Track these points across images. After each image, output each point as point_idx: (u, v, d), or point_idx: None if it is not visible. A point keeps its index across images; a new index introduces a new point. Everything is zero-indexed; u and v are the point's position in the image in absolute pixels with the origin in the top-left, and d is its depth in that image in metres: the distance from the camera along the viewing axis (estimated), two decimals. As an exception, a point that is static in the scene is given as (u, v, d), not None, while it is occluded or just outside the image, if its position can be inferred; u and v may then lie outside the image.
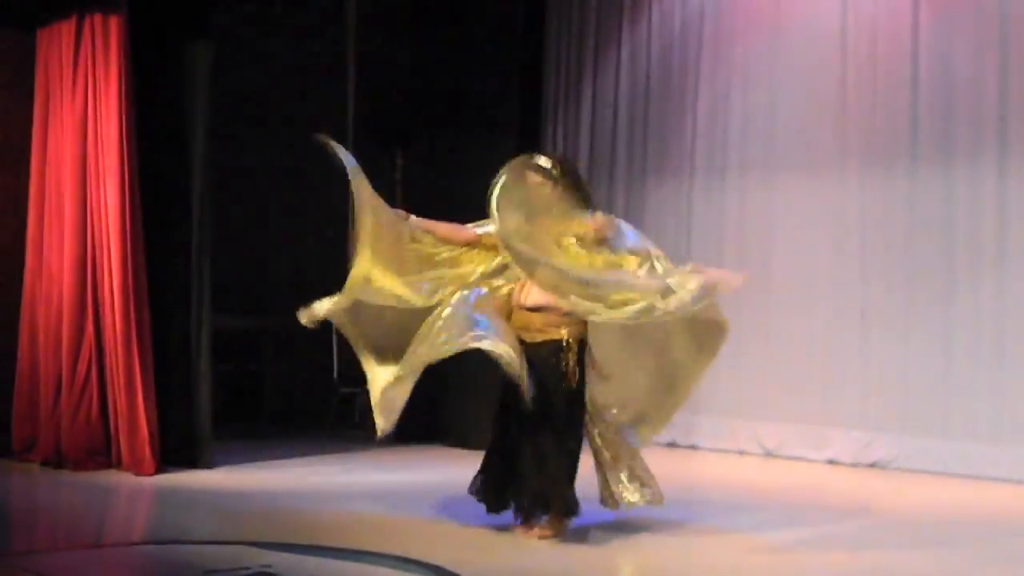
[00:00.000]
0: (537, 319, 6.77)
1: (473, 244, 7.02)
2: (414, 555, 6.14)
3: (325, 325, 10.68)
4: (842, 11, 10.04)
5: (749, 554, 6.70)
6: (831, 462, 9.75)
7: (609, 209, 10.89)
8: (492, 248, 6.95)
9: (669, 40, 11.03)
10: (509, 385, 6.65)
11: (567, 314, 6.69)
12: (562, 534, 6.76)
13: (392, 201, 11.32)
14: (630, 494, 6.96)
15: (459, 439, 10.19)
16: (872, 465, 9.60)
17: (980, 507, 8.29)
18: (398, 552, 6.20)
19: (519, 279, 6.84)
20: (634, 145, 11.24)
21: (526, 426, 6.75)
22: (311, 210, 11.02)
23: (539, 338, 6.76)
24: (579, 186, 6.93)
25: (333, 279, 11.11)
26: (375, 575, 5.93)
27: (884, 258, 9.75)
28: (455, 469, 9.25)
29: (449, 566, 5.93)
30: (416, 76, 10.91)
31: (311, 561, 6.10)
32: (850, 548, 6.87)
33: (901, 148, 9.72)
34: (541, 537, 6.74)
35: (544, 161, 6.87)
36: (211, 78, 8.84)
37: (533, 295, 6.77)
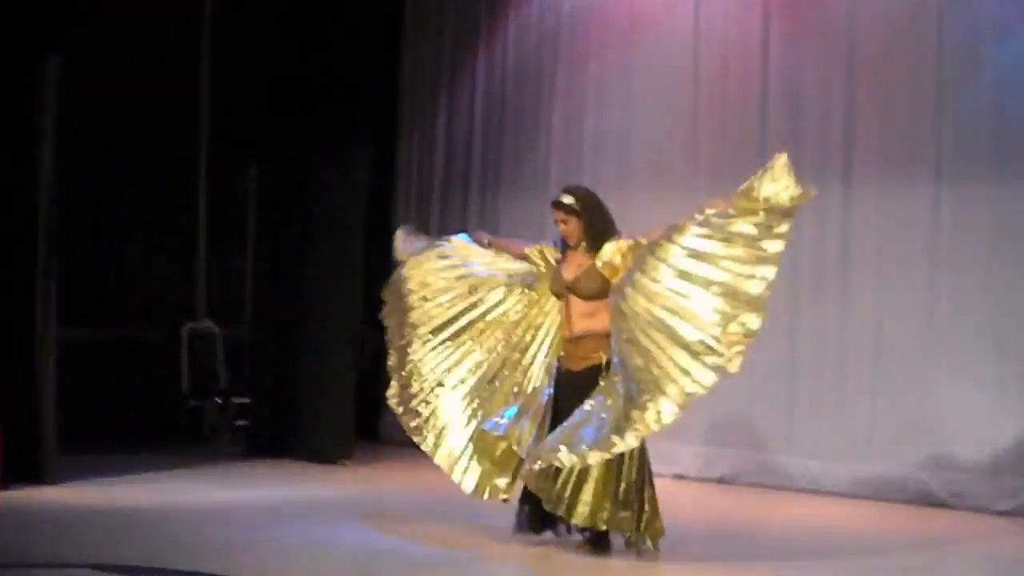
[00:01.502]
0: (579, 348, 7.05)
1: (522, 257, 7.45)
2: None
3: (174, 336, 10.68)
4: (694, 33, 10.20)
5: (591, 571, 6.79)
6: (678, 477, 9.89)
7: (463, 223, 11.00)
8: (536, 262, 7.37)
9: (525, 58, 11.12)
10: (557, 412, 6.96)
11: (603, 335, 6.91)
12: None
13: (244, 213, 11.33)
14: None
15: (309, 453, 10.14)
16: (718, 480, 9.77)
17: (820, 522, 8.47)
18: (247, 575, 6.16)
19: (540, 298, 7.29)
20: (488, 160, 11.32)
21: None
22: (161, 221, 10.88)
23: (583, 365, 7.02)
24: (602, 215, 7.18)
25: (181, 291, 11.06)
26: (223, 600, 5.91)
27: (732, 277, 9.89)
28: (304, 485, 9.25)
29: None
30: (270, 88, 10.82)
31: (157, 585, 6.05)
32: (694, 563, 7.01)
33: (750, 169, 9.73)
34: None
35: (567, 199, 7.15)
36: (60, 90, 8.69)
37: (573, 326, 7.05)
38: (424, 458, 8.86)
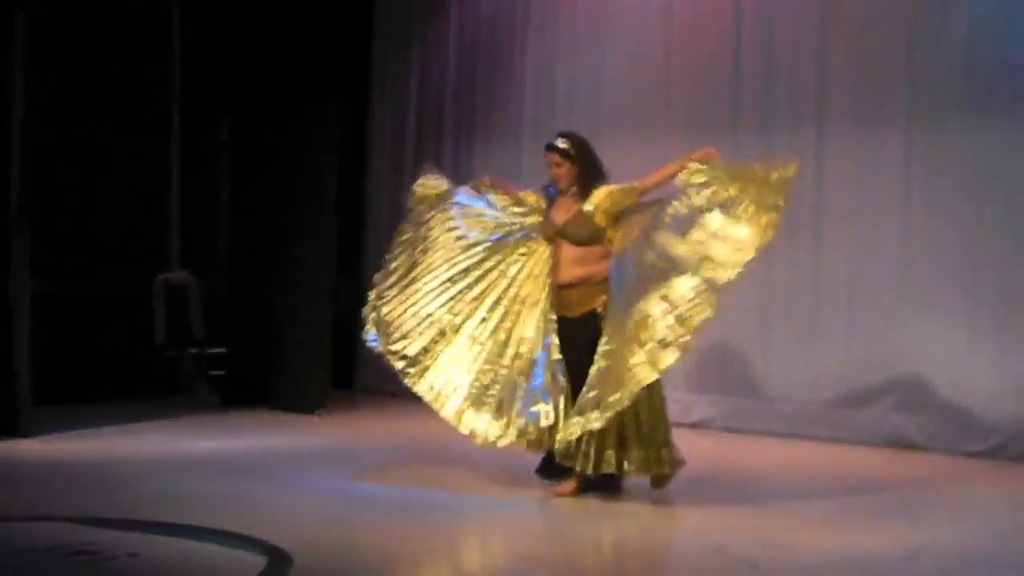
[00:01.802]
0: (574, 295, 7.18)
1: (517, 200, 7.53)
2: (241, 530, 6.07)
3: (148, 287, 10.63)
4: (667, -22, 10.19)
5: (575, 513, 6.84)
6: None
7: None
8: (532, 210, 7.44)
9: (498, 5, 11.08)
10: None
11: (599, 283, 7.10)
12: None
13: (219, 165, 11.29)
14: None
15: (285, 403, 10.15)
16: (694, 425, 9.81)
17: (795, 466, 8.53)
18: (224, 527, 6.13)
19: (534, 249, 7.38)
20: (462, 109, 11.30)
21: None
22: (136, 173, 10.81)
23: (578, 312, 7.17)
24: (593, 162, 7.31)
25: (150, 241, 11.01)
26: (201, 551, 5.86)
27: (705, 223, 9.90)
28: (282, 435, 9.27)
29: (277, 541, 5.87)
30: (244, 39, 10.74)
31: (135, 538, 6.00)
32: (674, 506, 7.08)
33: (723, 115, 9.88)
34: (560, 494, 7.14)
35: (562, 143, 7.28)
36: (29, 42, 8.62)
37: (565, 272, 7.18)
38: (399, 407, 8.95)
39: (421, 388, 7.35)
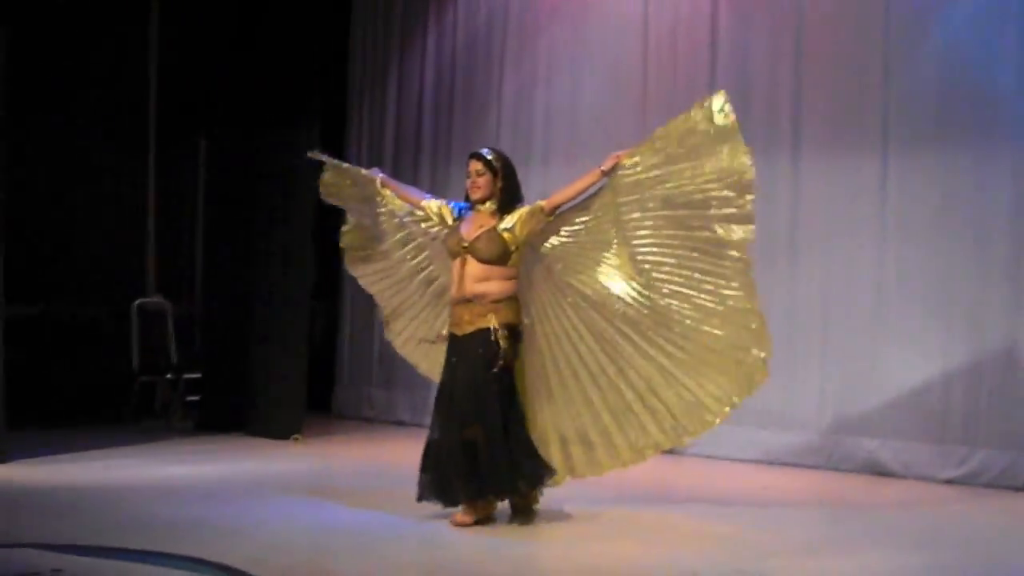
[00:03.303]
0: (465, 312, 7.06)
1: (417, 208, 7.50)
2: (213, 557, 6.05)
3: (124, 312, 10.60)
4: (644, 4, 10.21)
5: (538, 536, 6.82)
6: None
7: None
8: (432, 215, 7.41)
9: (475, 29, 11.13)
10: (446, 380, 7.12)
11: (494, 300, 7.01)
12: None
13: (195, 187, 11.28)
14: None
15: (260, 428, 10.12)
16: (669, 451, 9.75)
17: (770, 492, 8.51)
18: (195, 553, 6.11)
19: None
20: (439, 133, 11.33)
21: (469, 417, 7.00)
22: (111, 196, 10.80)
23: (468, 330, 7.05)
24: (515, 183, 7.23)
25: (126, 265, 10.98)
26: (171, 578, 5.86)
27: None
28: (257, 460, 9.22)
29: (250, 568, 5.86)
30: (220, 62, 10.75)
31: (107, 564, 5.98)
32: (649, 531, 7.05)
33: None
34: (460, 523, 7.08)
35: (487, 153, 7.21)
36: (7, 64, 8.60)
37: (465, 288, 7.05)
38: (374, 432, 8.91)
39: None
